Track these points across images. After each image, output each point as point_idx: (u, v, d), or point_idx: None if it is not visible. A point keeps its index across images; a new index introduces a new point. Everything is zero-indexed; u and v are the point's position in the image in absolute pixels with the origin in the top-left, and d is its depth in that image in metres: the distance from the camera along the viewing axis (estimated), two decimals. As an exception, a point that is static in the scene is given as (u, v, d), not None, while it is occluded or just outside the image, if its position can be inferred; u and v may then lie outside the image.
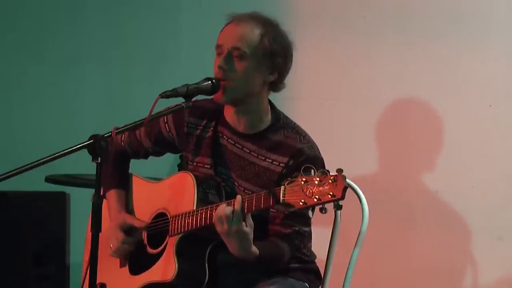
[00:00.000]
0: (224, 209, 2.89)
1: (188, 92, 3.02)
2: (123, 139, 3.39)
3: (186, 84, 3.03)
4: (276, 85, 3.18)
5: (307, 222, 3.14)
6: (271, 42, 3.11)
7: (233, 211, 2.88)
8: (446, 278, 4.54)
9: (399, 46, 4.60)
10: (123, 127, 2.93)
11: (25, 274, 4.52)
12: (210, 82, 3.06)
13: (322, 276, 3.34)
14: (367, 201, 3.32)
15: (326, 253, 3.38)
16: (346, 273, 3.31)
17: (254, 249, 2.96)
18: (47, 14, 5.22)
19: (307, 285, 3.25)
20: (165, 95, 2.97)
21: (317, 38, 4.71)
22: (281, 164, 3.12)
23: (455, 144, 4.51)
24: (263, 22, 3.13)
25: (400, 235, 4.59)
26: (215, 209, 2.97)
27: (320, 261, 3.34)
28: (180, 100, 3.04)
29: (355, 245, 3.29)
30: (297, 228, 3.10)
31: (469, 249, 4.50)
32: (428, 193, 4.55)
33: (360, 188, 3.34)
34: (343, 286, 3.32)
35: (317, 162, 3.11)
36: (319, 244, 3.40)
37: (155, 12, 5.09)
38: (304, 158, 3.09)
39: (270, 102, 3.22)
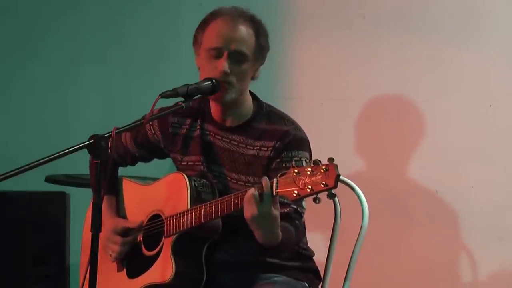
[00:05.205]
0: (253, 193, 2.84)
1: (188, 92, 3.01)
2: (109, 146, 3.39)
3: (186, 84, 3.03)
4: (257, 75, 3.19)
5: (302, 204, 3.11)
6: (264, 40, 3.15)
7: (262, 195, 2.83)
8: (446, 278, 4.54)
9: (398, 46, 4.60)
10: (123, 127, 2.93)
11: (25, 274, 4.51)
12: (210, 82, 3.06)
13: (322, 275, 3.34)
14: (366, 201, 3.32)
15: (326, 253, 3.38)
16: (347, 272, 3.32)
17: (279, 232, 2.93)
18: (46, 14, 5.22)
19: (306, 284, 3.25)
20: (165, 95, 2.97)
21: (316, 38, 4.71)
22: (269, 148, 3.11)
23: (455, 144, 4.52)
24: (250, 19, 3.14)
25: (400, 235, 4.59)
26: (209, 207, 2.97)
27: (320, 261, 3.34)
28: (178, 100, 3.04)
29: (357, 240, 3.30)
30: (295, 206, 3.08)
31: (469, 249, 4.51)
32: (428, 193, 4.55)
33: (359, 188, 3.34)
34: (343, 285, 3.32)
35: (304, 142, 3.14)
36: (319, 244, 3.41)
37: (155, 12, 5.09)
38: (290, 138, 3.10)
39: (251, 93, 3.22)
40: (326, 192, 2.68)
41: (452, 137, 4.53)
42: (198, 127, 3.23)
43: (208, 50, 3.11)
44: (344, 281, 3.33)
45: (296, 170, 2.72)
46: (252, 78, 3.17)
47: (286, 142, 3.10)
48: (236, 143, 3.17)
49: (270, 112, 3.20)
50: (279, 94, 4.61)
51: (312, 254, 3.31)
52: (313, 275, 3.30)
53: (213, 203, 2.98)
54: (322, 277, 3.34)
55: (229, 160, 3.17)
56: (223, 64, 3.07)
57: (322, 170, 2.67)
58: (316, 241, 3.36)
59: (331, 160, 2.68)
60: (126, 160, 3.42)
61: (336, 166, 2.66)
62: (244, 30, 3.11)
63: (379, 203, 4.26)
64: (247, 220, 2.87)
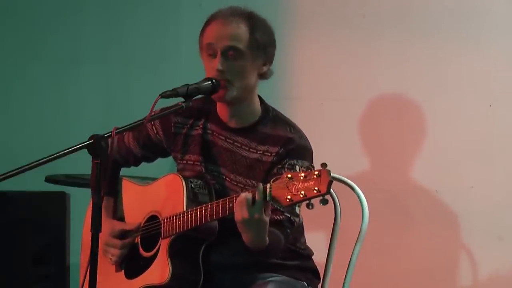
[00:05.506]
0: (246, 196, 2.85)
1: (188, 92, 3.01)
2: (109, 146, 3.38)
3: (186, 84, 3.03)
4: (266, 73, 3.18)
5: (296, 212, 3.11)
6: (261, 35, 3.13)
7: (255, 199, 2.83)
8: (446, 278, 4.54)
9: (398, 46, 4.60)
10: (123, 127, 2.93)
11: (25, 274, 4.52)
12: (210, 82, 3.06)
13: (322, 275, 3.34)
14: (366, 201, 3.32)
15: (326, 253, 3.38)
16: (347, 272, 3.32)
17: (267, 238, 2.93)
18: (46, 14, 5.22)
19: (305, 284, 3.25)
20: (165, 95, 2.97)
21: (316, 38, 4.71)
22: (272, 154, 3.11)
23: (455, 144, 4.52)
24: (246, 16, 3.14)
25: (400, 235, 4.59)
26: (205, 210, 2.97)
27: (320, 261, 3.34)
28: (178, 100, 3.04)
29: (357, 240, 3.30)
30: (288, 215, 3.08)
31: (468, 249, 4.51)
32: (428, 193, 4.55)
33: (359, 188, 3.34)
34: (343, 285, 3.32)
35: (306, 152, 3.13)
36: (319, 244, 3.40)
37: (155, 12, 5.09)
38: (294, 146, 3.10)
39: (258, 96, 3.22)
40: (320, 198, 2.67)
41: (452, 136, 4.53)
42: (200, 126, 3.23)
43: (204, 49, 3.13)
44: (344, 281, 3.33)
45: (289, 175, 2.71)
46: (262, 77, 3.17)
47: (289, 149, 3.09)
48: (239, 145, 3.17)
49: (276, 117, 3.20)
50: (279, 94, 4.60)
51: (311, 253, 3.31)
52: (312, 274, 3.30)
53: (209, 206, 2.98)
54: (321, 277, 3.34)
55: (230, 161, 3.17)
56: (217, 64, 3.07)
57: (314, 176, 2.66)
58: (316, 241, 3.36)
59: (324, 165, 2.67)
60: (129, 161, 3.42)
61: (328, 171, 2.66)
62: (235, 26, 3.10)
63: (379, 203, 4.26)
64: (237, 222, 2.87)
